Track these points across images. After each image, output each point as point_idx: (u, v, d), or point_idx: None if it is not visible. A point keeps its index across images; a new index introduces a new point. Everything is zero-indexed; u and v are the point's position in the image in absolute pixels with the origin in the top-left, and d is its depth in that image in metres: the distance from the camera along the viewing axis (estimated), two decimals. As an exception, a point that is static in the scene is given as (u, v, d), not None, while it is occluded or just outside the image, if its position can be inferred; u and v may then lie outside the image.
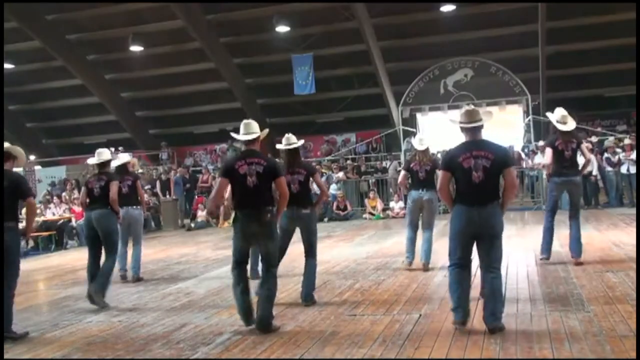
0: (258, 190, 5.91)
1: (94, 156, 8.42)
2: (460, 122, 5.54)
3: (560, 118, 8.23)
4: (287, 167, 6.96)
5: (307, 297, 6.92)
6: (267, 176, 5.96)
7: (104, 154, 8.43)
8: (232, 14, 23.37)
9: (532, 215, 15.76)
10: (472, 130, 5.49)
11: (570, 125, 8.23)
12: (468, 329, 5.41)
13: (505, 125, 22.51)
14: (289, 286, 7.89)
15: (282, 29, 23.22)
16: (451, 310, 5.49)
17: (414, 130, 23.10)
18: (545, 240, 8.43)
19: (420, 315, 6.05)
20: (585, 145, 8.71)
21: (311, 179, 7.14)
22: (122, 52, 25.25)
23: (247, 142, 6.13)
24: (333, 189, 18.87)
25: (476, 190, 5.34)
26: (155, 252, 13.01)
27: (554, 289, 6.79)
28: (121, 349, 5.64)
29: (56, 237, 15.86)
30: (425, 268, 8.40)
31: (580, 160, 8.53)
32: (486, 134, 5.59)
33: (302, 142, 7.38)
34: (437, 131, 22.19)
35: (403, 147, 22.37)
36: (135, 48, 24.43)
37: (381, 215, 17.96)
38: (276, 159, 7.15)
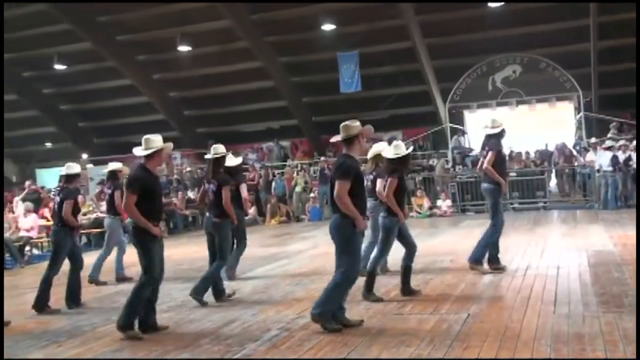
0: None
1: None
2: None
3: (490, 123, 8.37)
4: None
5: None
6: None
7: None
8: (277, 13, 23.46)
9: (585, 213, 15.41)
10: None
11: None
12: (518, 330, 5.31)
13: (556, 123, 22.03)
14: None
15: (328, 27, 23.20)
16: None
17: (462, 127, 22.82)
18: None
19: (469, 314, 5.97)
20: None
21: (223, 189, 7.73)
22: (170, 52, 25.63)
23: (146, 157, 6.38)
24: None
25: None
26: (202, 249, 13.15)
27: (607, 290, 6.62)
28: (170, 345, 5.73)
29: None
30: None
31: None
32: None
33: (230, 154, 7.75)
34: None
35: (450, 145, 22.13)
36: (183, 48, 24.75)
37: (428, 213, 17.80)
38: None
